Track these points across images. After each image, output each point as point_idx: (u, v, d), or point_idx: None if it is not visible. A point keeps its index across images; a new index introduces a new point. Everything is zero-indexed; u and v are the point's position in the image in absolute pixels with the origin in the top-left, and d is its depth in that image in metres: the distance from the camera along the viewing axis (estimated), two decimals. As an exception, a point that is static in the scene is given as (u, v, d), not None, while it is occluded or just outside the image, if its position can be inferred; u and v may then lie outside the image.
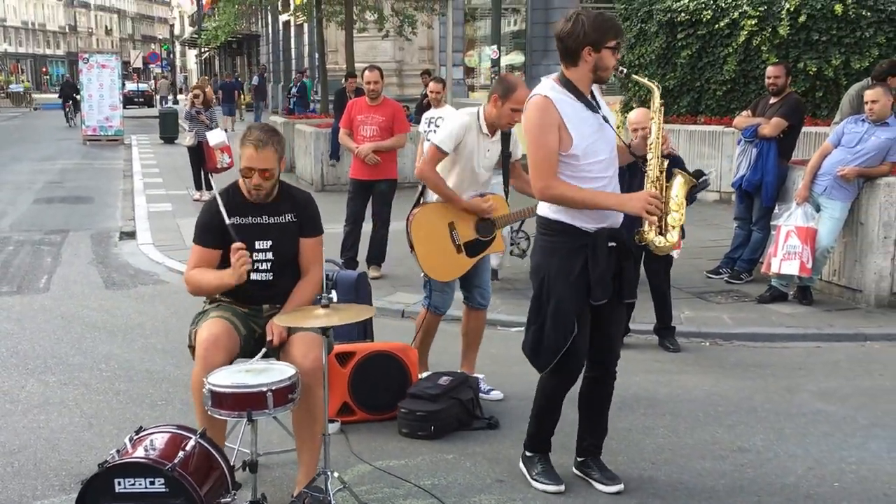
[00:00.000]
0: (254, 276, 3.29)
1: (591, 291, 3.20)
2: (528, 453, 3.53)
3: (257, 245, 3.29)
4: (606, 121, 3.22)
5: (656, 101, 3.28)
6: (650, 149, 3.25)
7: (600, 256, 3.18)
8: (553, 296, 3.22)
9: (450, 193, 4.16)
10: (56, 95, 34.45)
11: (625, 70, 3.33)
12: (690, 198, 3.32)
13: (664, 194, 3.20)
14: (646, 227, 3.19)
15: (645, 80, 3.44)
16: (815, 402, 4.46)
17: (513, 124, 4.12)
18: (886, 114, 5.86)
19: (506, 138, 4.25)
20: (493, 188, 4.44)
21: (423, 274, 4.34)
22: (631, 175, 4.88)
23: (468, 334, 4.49)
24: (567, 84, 3.15)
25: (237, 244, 3.13)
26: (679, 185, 3.24)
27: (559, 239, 3.21)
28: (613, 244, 3.23)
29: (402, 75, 22.67)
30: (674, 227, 3.21)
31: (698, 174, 3.08)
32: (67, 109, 27.63)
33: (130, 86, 39.50)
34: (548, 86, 3.18)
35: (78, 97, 23.33)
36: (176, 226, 9.46)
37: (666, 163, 3.27)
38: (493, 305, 6.13)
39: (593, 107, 3.19)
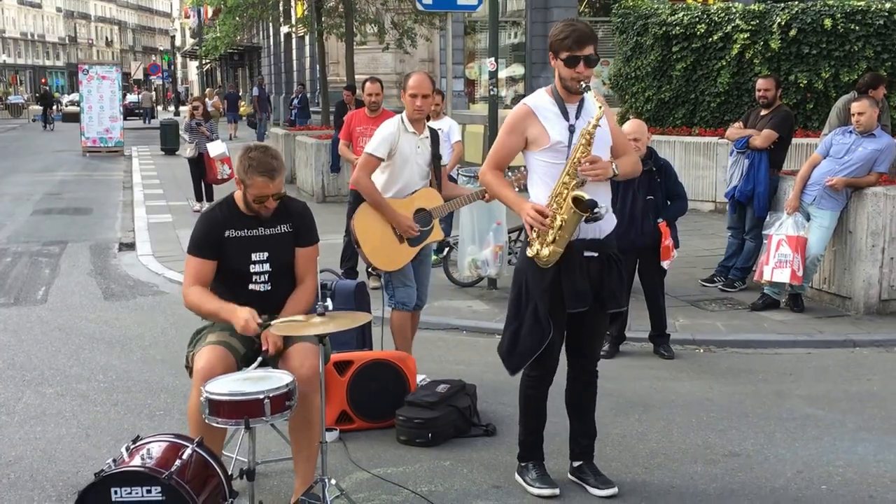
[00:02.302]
0: (253, 288, 3.32)
1: (565, 300, 3.26)
2: (521, 463, 3.57)
3: (254, 257, 3.31)
4: (572, 129, 3.23)
5: (591, 124, 3.16)
6: (565, 166, 3.21)
7: (574, 266, 3.24)
8: (530, 301, 3.31)
9: (381, 201, 4.36)
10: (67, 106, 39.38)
11: (585, 86, 3.21)
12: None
13: (560, 211, 3.15)
14: (532, 236, 3.24)
15: (596, 100, 3.24)
16: (804, 407, 4.50)
17: (420, 111, 4.37)
18: (873, 125, 5.93)
19: (435, 140, 4.46)
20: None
21: (374, 271, 4.55)
22: (625, 186, 4.95)
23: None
24: (553, 88, 3.30)
25: (257, 320, 3.12)
26: (568, 211, 3.12)
27: None
28: (594, 255, 3.28)
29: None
30: (553, 242, 3.16)
31: (593, 204, 3.11)
32: (50, 114, 32.06)
33: (131, 97, 39.69)
34: (536, 94, 3.37)
35: (54, 106, 28.24)
36: (176, 237, 9.47)
37: (574, 182, 3.16)
38: (492, 314, 6.20)
39: (566, 114, 3.24)
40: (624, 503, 3.40)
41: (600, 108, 3.17)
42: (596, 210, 3.10)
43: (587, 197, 3.11)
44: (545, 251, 3.19)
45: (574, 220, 3.13)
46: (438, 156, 4.52)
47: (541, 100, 3.33)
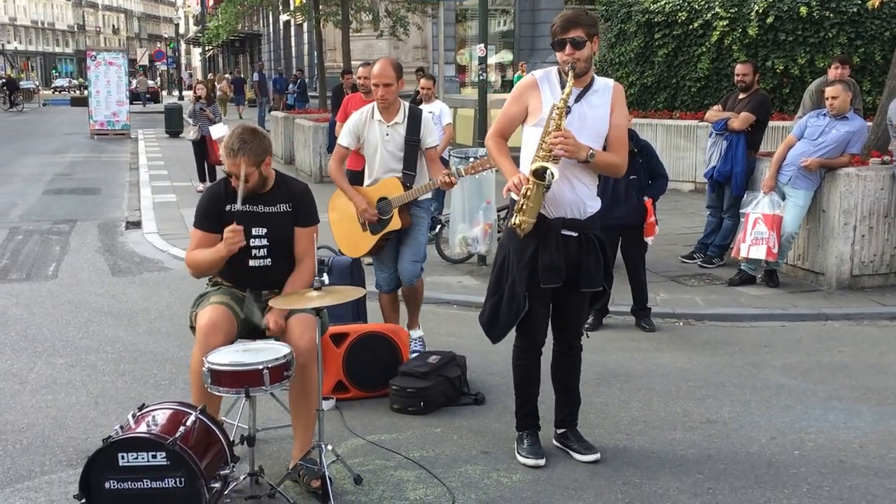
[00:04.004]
0: (252, 263, 3.29)
1: (539, 274, 3.21)
2: (518, 433, 3.53)
3: (253, 231, 3.28)
4: (569, 110, 3.14)
5: (561, 99, 3.10)
6: (539, 145, 3.15)
7: (550, 242, 3.20)
8: (509, 275, 3.28)
9: (344, 186, 4.45)
10: (55, 92, 44.25)
11: (567, 71, 3.14)
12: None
13: (528, 183, 3.10)
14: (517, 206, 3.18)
15: (567, 87, 3.16)
16: (778, 377, 4.50)
17: (383, 100, 4.29)
18: (846, 109, 5.89)
19: (414, 125, 4.34)
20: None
21: (355, 258, 4.63)
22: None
23: (406, 300, 4.67)
24: (559, 69, 3.25)
25: (235, 226, 3.15)
26: (532, 180, 3.10)
27: None
28: (573, 234, 3.23)
29: (397, 72, 22.47)
30: (522, 211, 3.12)
31: (541, 172, 3.06)
32: (16, 97, 34.88)
33: (135, 82, 39.38)
34: (547, 69, 3.31)
35: (17, 92, 34.37)
36: (180, 216, 9.41)
37: (545, 155, 3.10)
38: (481, 289, 6.14)
39: (558, 93, 3.17)
40: (606, 468, 3.39)
41: (570, 85, 3.10)
42: (545, 176, 3.03)
43: (542, 165, 3.06)
44: (517, 220, 3.17)
45: (536, 189, 3.08)
46: (414, 141, 4.35)
47: (548, 74, 3.27)
